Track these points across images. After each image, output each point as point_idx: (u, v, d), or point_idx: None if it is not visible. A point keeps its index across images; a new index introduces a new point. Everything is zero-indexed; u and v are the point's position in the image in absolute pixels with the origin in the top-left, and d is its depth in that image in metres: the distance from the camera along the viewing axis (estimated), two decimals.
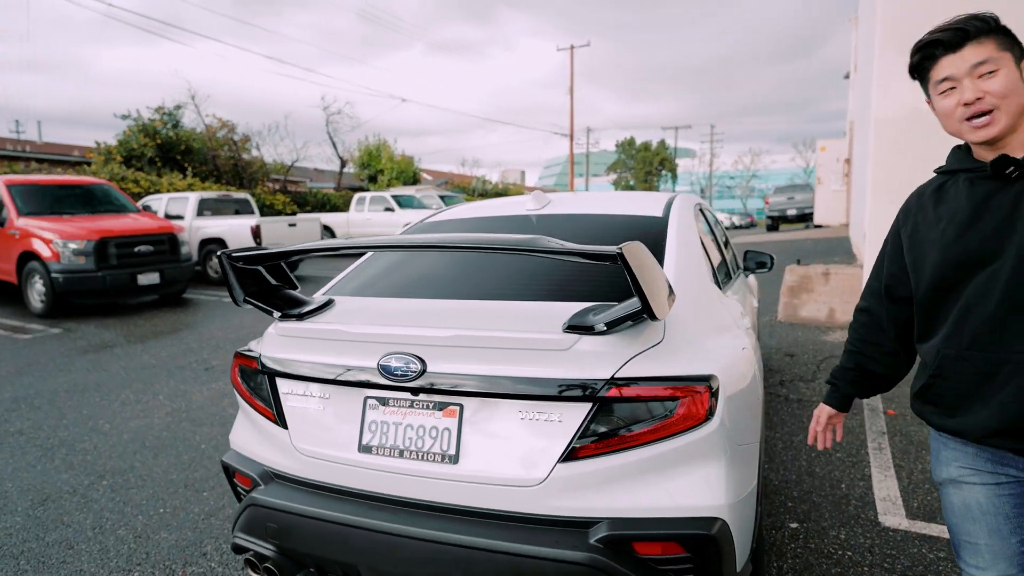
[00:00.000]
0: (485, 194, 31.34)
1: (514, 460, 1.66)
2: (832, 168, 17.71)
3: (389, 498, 1.78)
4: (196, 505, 3.16)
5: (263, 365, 1.99)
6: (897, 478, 3.26)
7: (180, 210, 12.00)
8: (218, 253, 1.99)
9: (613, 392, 1.60)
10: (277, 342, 1.99)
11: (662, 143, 59.79)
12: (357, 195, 17.00)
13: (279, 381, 1.98)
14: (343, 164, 24.46)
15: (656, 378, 1.62)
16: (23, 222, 8.61)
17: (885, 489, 3.14)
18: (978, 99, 1.32)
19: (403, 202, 16.80)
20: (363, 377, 1.79)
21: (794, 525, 2.82)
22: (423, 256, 2.47)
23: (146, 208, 12.10)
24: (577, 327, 1.64)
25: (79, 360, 6.21)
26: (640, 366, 1.63)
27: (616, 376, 1.61)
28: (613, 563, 1.56)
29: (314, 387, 1.91)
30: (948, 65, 1.36)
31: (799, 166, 64.29)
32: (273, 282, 2.15)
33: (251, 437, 2.09)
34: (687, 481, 1.64)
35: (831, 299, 6.79)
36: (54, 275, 8.15)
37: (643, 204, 2.65)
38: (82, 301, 8.71)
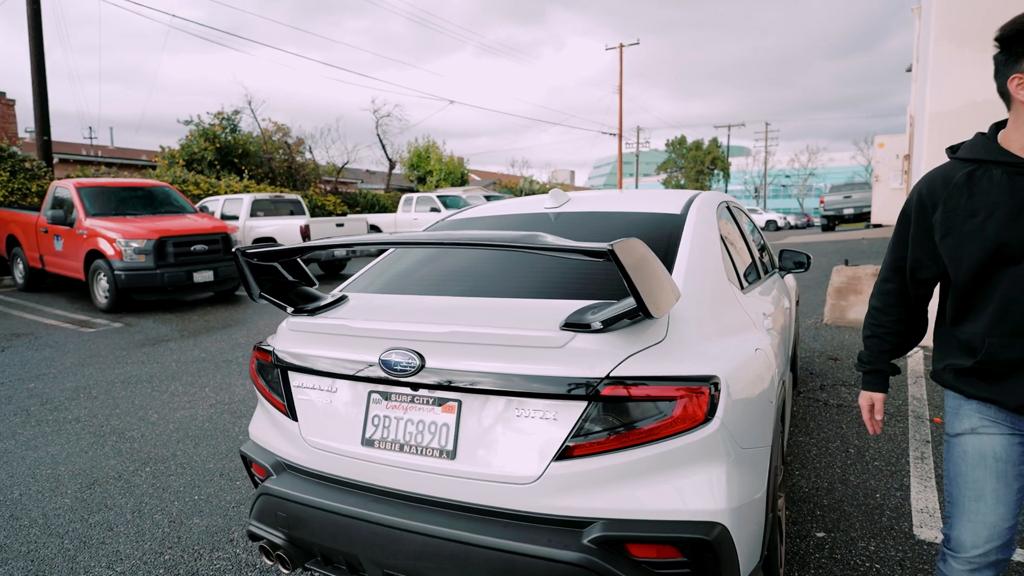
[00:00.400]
0: (532, 194, 31.41)
1: (509, 457, 1.66)
2: (891, 165, 16.93)
3: (389, 491, 1.81)
4: (229, 493, 3.29)
5: (276, 359, 2.06)
6: (938, 489, 3.10)
7: (235, 211, 12.47)
8: (233, 250, 2.07)
9: (608, 391, 1.58)
10: (289, 337, 2.05)
11: (714, 141, 58.49)
12: (405, 196, 17.29)
13: (291, 374, 2.04)
14: (392, 166, 24.93)
15: (653, 377, 1.59)
16: (90, 222, 9.12)
17: (924, 500, 2.99)
18: None
19: (449, 203, 16.99)
20: (366, 371, 1.82)
21: (821, 534, 2.72)
22: (434, 255, 2.50)
23: (203, 209, 12.63)
24: (574, 325, 1.63)
25: (136, 353, 6.53)
26: (637, 365, 1.61)
27: (611, 374, 1.59)
28: (606, 564, 1.54)
29: (322, 381, 1.96)
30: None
31: (859, 164, 61.76)
32: (290, 279, 2.22)
33: (267, 428, 2.16)
34: (685, 483, 1.60)
35: None
36: (117, 272, 8.60)
37: (663, 202, 2.60)
38: (142, 297, 9.17)
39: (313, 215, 17.07)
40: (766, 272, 3.45)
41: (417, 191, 26.12)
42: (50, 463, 3.76)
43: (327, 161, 22.89)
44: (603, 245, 1.47)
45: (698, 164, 57.64)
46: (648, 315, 1.55)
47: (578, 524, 1.61)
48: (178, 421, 4.45)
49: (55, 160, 18.04)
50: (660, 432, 1.58)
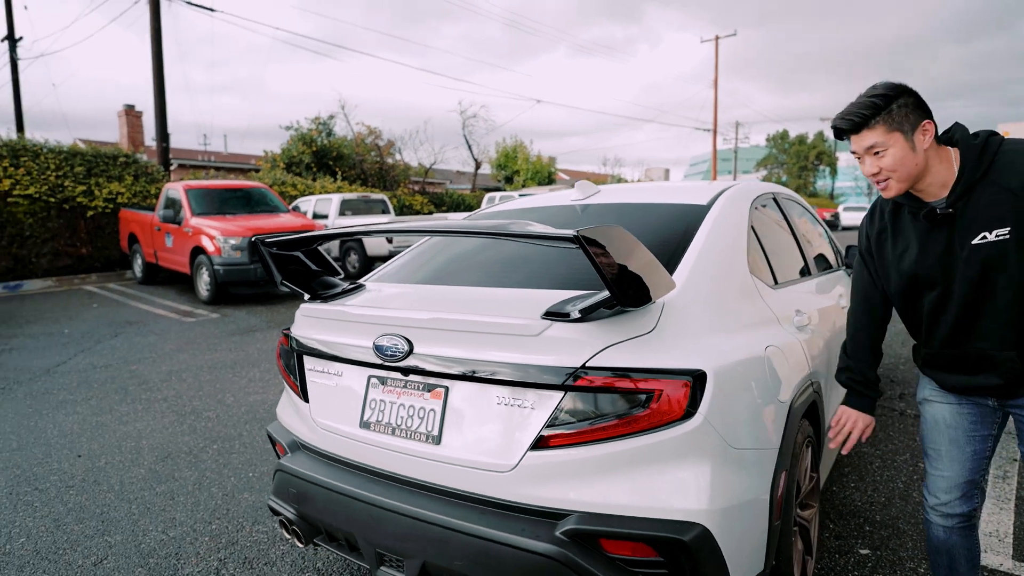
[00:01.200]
0: None
1: (489, 445, 1.66)
2: None
3: (382, 473, 1.86)
4: (226, 482, 3.48)
5: (292, 343, 2.17)
6: (1016, 512, 2.78)
7: (325, 210, 13.16)
8: (251, 239, 2.20)
9: (583, 381, 1.55)
10: (302, 322, 2.16)
11: (819, 136, 55.08)
12: (488, 195, 17.57)
13: (305, 358, 2.14)
14: (477, 166, 25.38)
15: (631, 369, 1.54)
16: (195, 221, 9.93)
17: (996, 524, 2.69)
18: (875, 173, 1.66)
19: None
20: (363, 356, 1.88)
21: (865, 551, 2.51)
22: (449, 245, 2.53)
23: (295, 209, 13.41)
24: (554, 314, 1.61)
25: (226, 341, 7.05)
26: (616, 356, 1.56)
27: (588, 364, 1.55)
28: (578, 559, 1.51)
29: (330, 365, 2.05)
30: (854, 143, 1.67)
31: None
32: (314, 268, 2.33)
33: (287, 409, 2.28)
34: (664, 480, 1.54)
35: None
36: (216, 267, 9.32)
37: (691, 194, 2.50)
38: (238, 291, 9.87)
39: (401, 214, 17.69)
40: (824, 269, 3.23)
41: (504, 190, 26.44)
42: (135, 437, 4.14)
43: (418, 162, 23.68)
44: (569, 232, 1.44)
45: (801, 159, 54.48)
46: (624, 305, 1.50)
47: (554, 516, 1.58)
48: (249, 405, 4.76)
49: (174, 165, 19.78)
50: (637, 425, 1.53)
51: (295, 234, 2.15)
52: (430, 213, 19.56)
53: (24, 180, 11.76)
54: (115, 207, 12.77)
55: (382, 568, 1.83)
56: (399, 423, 1.83)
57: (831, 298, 2.92)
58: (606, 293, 1.57)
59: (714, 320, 1.80)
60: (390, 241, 11.79)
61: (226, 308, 9.28)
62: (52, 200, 12.05)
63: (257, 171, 18.73)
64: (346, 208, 13.14)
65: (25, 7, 41.02)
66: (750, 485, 1.67)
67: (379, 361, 1.83)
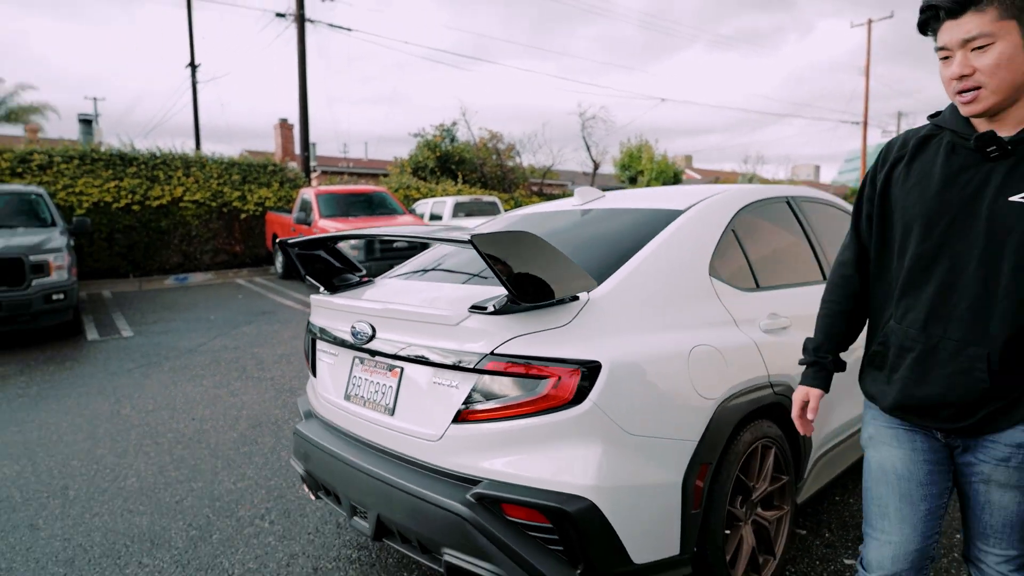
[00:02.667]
0: None
1: (425, 417, 1.95)
2: None
3: (356, 438, 2.21)
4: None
5: (308, 328, 2.59)
6: None
7: (440, 212, 13.98)
8: (276, 241, 2.64)
9: (491, 365, 1.79)
10: (314, 312, 2.57)
11: None
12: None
13: (316, 341, 2.55)
14: (596, 167, 25.41)
15: (531, 357, 1.76)
16: (322, 222, 11.07)
17: None
18: (965, 75, 1.27)
19: None
20: (345, 338, 2.24)
21: (849, 561, 2.46)
22: (441, 246, 2.82)
23: (411, 211, 14.38)
24: (477, 307, 1.86)
25: None
26: (522, 345, 1.78)
27: (495, 351, 1.79)
28: (481, 520, 1.76)
29: (330, 347, 2.44)
30: (946, 32, 1.29)
31: None
32: (337, 265, 2.73)
33: (308, 385, 2.71)
34: (556, 456, 1.74)
35: None
36: None
37: (675, 200, 2.60)
38: None
39: None
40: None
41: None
42: (238, 407, 4.87)
43: (541, 164, 24.22)
44: (464, 235, 1.69)
45: None
46: (520, 301, 1.72)
47: (470, 481, 1.83)
48: None
49: (317, 171, 21.85)
50: (534, 407, 1.74)
51: (302, 237, 2.56)
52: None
53: (192, 187, 13.73)
54: (263, 210, 14.48)
55: (355, 518, 2.18)
56: (368, 396, 2.17)
57: None
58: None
59: (637, 318, 1.95)
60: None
61: None
62: (213, 204, 13.94)
63: (387, 175, 20.24)
64: (459, 210, 13.87)
65: (203, 37, 47.11)
66: (652, 470, 1.81)
67: (352, 342, 2.18)
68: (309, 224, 11.40)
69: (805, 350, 1.66)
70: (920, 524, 1.44)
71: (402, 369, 2.07)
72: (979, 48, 1.25)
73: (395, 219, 11.51)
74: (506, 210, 17.30)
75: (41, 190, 9.01)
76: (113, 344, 7.41)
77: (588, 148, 24.43)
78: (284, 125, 22.90)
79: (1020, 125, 1.29)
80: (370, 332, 2.10)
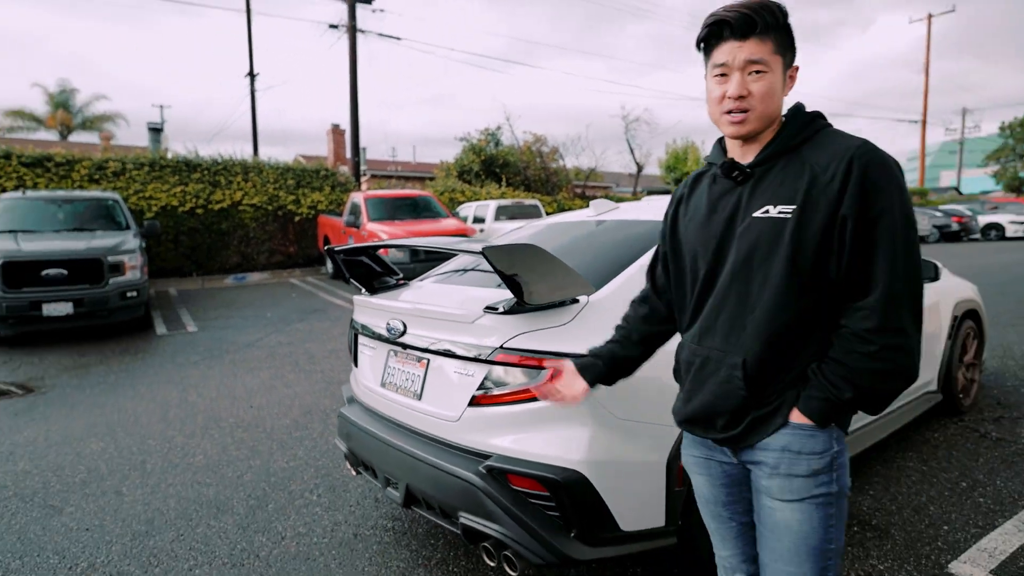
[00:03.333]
0: None
1: (446, 401, 2.28)
2: None
3: (389, 419, 2.56)
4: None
5: (351, 325, 2.96)
6: (1022, 534, 2.70)
7: (483, 214, 14.39)
8: (324, 248, 3.01)
9: (500, 357, 2.10)
10: (356, 310, 2.93)
11: None
12: (645, 198, 17.67)
13: (358, 336, 2.92)
14: (639, 169, 25.41)
15: (531, 351, 2.06)
16: (371, 225, 11.60)
17: (998, 541, 2.66)
18: (741, 96, 1.33)
19: None
20: (382, 333, 2.59)
21: None
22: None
23: (455, 214, 14.82)
24: (490, 307, 2.18)
25: None
26: (526, 340, 2.09)
27: (504, 345, 2.10)
28: (491, 488, 2.07)
29: (369, 340, 2.80)
30: (728, 52, 1.34)
31: None
32: (377, 269, 3.10)
33: (351, 374, 3.08)
34: (553, 435, 2.05)
35: None
36: None
37: None
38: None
39: None
40: None
41: (670, 192, 26.06)
42: (292, 397, 5.33)
43: (587, 166, 24.42)
44: (477, 246, 2.01)
45: None
46: (521, 302, 2.03)
47: (482, 456, 2.15)
48: None
49: (367, 175, 22.57)
50: (531, 393, 2.04)
51: (345, 246, 2.92)
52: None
53: (251, 192, 14.53)
54: (315, 213, 15.19)
55: (388, 488, 2.53)
56: (400, 383, 2.51)
57: None
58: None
59: None
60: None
61: None
62: (270, 208, 14.71)
63: (433, 179, 20.81)
64: (501, 213, 14.25)
65: (262, 48, 49.07)
66: (638, 448, 2.09)
67: (387, 336, 2.53)
68: (358, 227, 11.96)
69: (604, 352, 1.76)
70: (739, 541, 1.52)
71: (428, 360, 2.40)
72: (756, 73, 1.32)
73: (439, 222, 11.95)
74: (548, 212, 17.58)
75: (116, 196, 9.81)
76: (179, 338, 8.05)
77: (632, 151, 24.50)
78: (336, 130, 23.81)
79: (759, 150, 1.39)
80: (402, 328, 2.44)
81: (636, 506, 2.09)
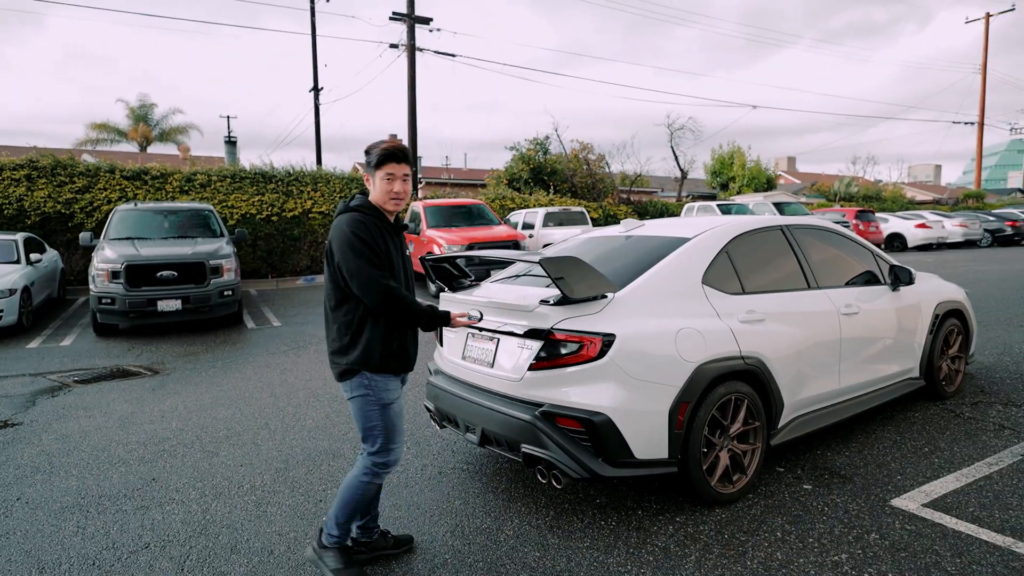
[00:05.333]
0: (850, 198, 28.63)
1: (511, 367, 3.21)
2: None
3: (469, 383, 3.50)
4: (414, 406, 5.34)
5: None
6: (960, 482, 3.43)
7: (532, 221, 15.32)
8: (419, 258, 3.99)
9: (552, 335, 3.02)
10: (443, 303, 3.89)
11: None
12: (687, 205, 18.31)
13: None
14: (684, 175, 25.89)
15: (573, 331, 2.97)
16: (429, 232, 12.68)
17: (941, 488, 3.40)
18: (401, 191, 2.67)
19: (730, 211, 17.43)
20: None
21: (808, 487, 3.48)
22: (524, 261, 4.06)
23: (506, 221, 15.79)
24: (543, 300, 3.10)
25: None
26: (569, 323, 3.00)
27: (554, 327, 3.01)
28: (544, 426, 2.99)
29: None
30: (395, 168, 2.63)
31: None
32: (455, 273, 4.05)
33: (436, 353, 4.05)
34: (588, 389, 2.95)
35: None
36: None
37: (690, 229, 3.72)
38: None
39: (606, 223, 19.32)
40: (825, 285, 4.02)
41: (716, 198, 26.52)
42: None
43: (633, 171, 25.11)
44: (535, 257, 2.93)
45: None
46: (567, 299, 2.94)
47: (537, 404, 3.07)
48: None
49: (422, 183, 23.82)
50: (574, 360, 2.96)
51: (434, 255, 3.89)
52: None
53: (319, 200, 15.88)
54: None
55: (467, 434, 3.47)
56: (477, 356, 3.46)
57: (816, 304, 3.83)
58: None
59: (645, 309, 3.12)
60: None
61: None
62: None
63: (484, 186, 21.88)
64: (549, 220, 15.15)
65: (325, 65, 51.38)
66: (647, 400, 2.96)
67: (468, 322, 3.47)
68: (417, 233, 13.07)
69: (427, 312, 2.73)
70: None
71: (499, 339, 3.34)
72: (404, 178, 2.65)
73: (492, 228, 12.94)
74: (593, 219, 18.37)
75: (211, 206, 11.17)
76: (267, 331, 9.26)
77: (676, 158, 25.02)
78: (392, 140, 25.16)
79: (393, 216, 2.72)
80: (479, 315, 3.37)
81: (646, 441, 2.97)
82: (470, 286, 3.90)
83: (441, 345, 3.88)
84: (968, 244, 22.90)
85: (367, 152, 2.70)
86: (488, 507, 3.40)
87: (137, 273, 8.74)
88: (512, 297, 3.38)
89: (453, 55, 18.63)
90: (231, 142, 20.49)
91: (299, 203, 15.63)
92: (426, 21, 18.24)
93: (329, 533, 2.76)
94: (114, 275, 8.66)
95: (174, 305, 8.83)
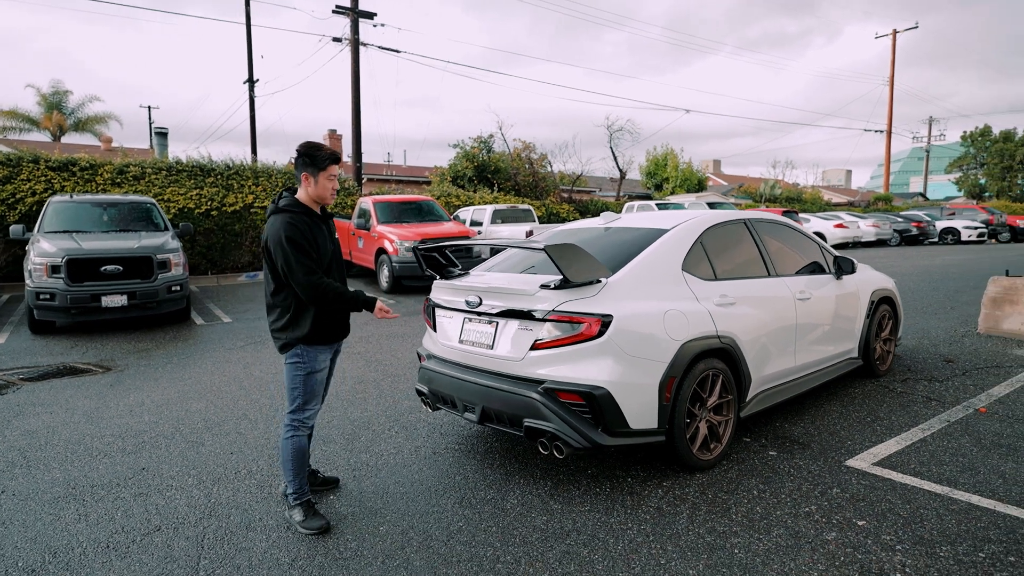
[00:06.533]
0: (774, 199, 30.34)
1: (513, 348, 3.42)
2: None
3: (467, 365, 3.69)
4: (376, 394, 5.48)
5: (429, 301, 4.09)
6: (901, 444, 3.91)
7: (480, 218, 15.51)
8: (407, 247, 4.13)
9: (553, 317, 3.25)
10: (435, 290, 4.06)
11: None
12: (627, 204, 18.96)
13: (435, 309, 4.04)
14: (622, 175, 26.76)
15: (574, 312, 3.22)
16: (380, 228, 12.65)
17: (885, 450, 3.87)
18: (337, 187, 3.15)
19: (667, 209, 18.21)
20: (461, 306, 3.73)
21: (773, 453, 3.87)
22: (517, 251, 4.29)
23: (456, 218, 15.92)
24: (543, 285, 3.33)
25: (403, 319, 9.42)
26: (568, 305, 3.25)
27: (555, 309, 3.25)
28: (547, 400, 3.22)
29: (446, 312, 3.92)
30: (337, 169, 3.13)
31: None
32: (443, 262, 4.22)
33: (426, 339, 4.21)
34: (588, 365, 3.20)
35: None
36: (394, 264, 11.90)
37: (666, 221, 4.04)
38: (410, 283, 12.42)
39: (549, 221, 19.74)
40: (812, 272, 4.51)
41: (652, 198, 27.51)
42: (342, 372, 6.40)
43: (571, 170, 25.68)
44: (540, 244, 3.16)
45: (1006, 159, 48.17)
46: (568, 282, 3.19)
47: (539, 382, 3.30)
48: (412, 358, 6.90)
49: (364, 179, 23.54)
50: (575, 339, 3.21)
51: (434, 242, 4.06)
52: (574, 220, 21.40)
53: (261, 195, 15.49)
54: None
55: (466, 413, 3.66)
56: (475, 339, 3.65)
57: (777, 290, 4.24)
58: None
59: (635, 292, 3.40)
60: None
61: (400, 296, 11.82)
62: None
63: (428, 184, 21.88)
64: (497, 217, 15.38)
65: (262, 56, 49.66)
66: (641, 375, 3.25)
67: (466, 308, 3.66)
68: (368, 229, 13.01)
69: (356, 297, 3.12)
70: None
71: (498, 322, 3.54)
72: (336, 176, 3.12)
73: (442, 224, 13.04)
74: (538, 216, 18.75)
75: (152, 200, 10.76)
76: (219, 327, 9.06)
77: (615, 158, 25.84)
78: (333, 136, 24.78)
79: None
80: (478, 301, 3.58)
81: (639, 412, 3.26)
82: (460, 274, 4.08)
83: (435, 331, 4.04)
84: (880, 243, 24.77)
85: (307, 154, 3.07)
86: (488, 481, 3.60)
87: (79, 267, 8.36)
88: (511, 283, 3.59)
89: (398, 51, 18.57)
90: (161, 133, 19.59)
91: (240, 197, 15.19)
92: (370, 16, 18.09)
93: (287, 494, 3.17)
94: (54, 269, 8.27)
95: (119, 301, 8.51)
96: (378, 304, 3.18)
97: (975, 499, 3.22)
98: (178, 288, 9.08)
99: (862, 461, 3.72)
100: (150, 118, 43.79)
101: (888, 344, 5.58)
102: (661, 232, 3.86)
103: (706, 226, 4.03)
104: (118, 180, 14.06)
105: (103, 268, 8.48)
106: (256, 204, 15.34)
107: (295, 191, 3.15)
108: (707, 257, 3.90)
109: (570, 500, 3.33)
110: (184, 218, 14.24)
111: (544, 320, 3.29)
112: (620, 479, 3.56)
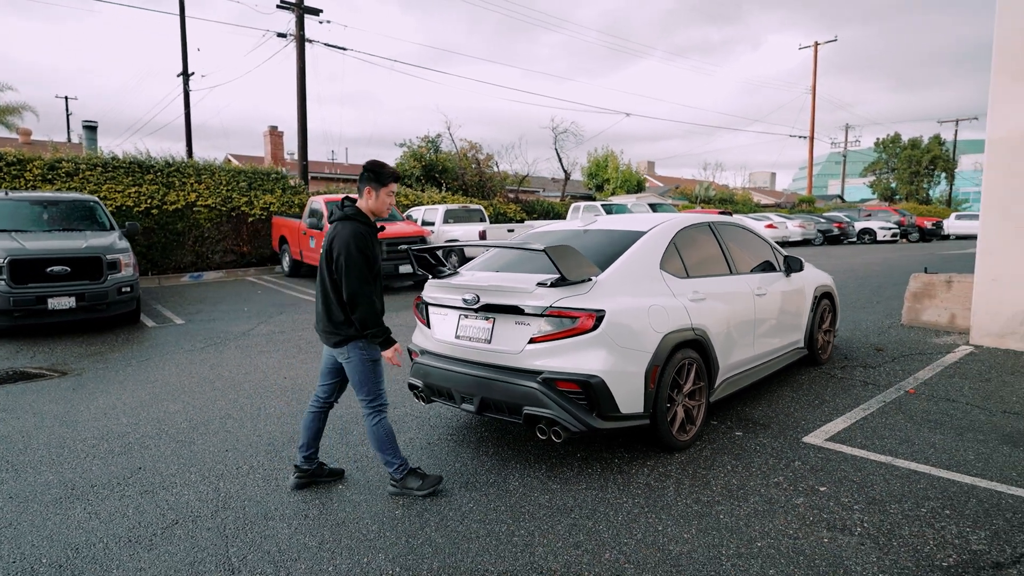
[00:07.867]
0: (708, 200, 31.74)
1: (511, 342, 3.68)
2: None
3: (464, 359, 3.92)
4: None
5: (422, 299, 4.29)
6: (847, 422, 4.42)
7: (432, 218, 15.63)
8: (401, 247, 4.32)
9: (550, 312, 3.53)
10: (428, 288, 4.26)
11: (936, 139, 52.28)
12: (573, 204, 19.48)
13: (429, 307, 4.25)
14: (567, 176, 27.39)
15: (570, 308, 3.51)
16: None
17: (834, 428, 4.36)
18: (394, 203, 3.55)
19: (614, 210, 18.82)
20: (457, 304, 3.95)
21: (739, 434, 4.29)
22: (505, 251, 4.55)
23: (408, 217, 15.98)
24: (540, 283, 3.61)
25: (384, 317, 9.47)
26: (564, 302, 3.53)
27: (552, 305, 3.54)
28: (546, 389, 3.50)
29: (441, 309, 4.14)
30: (394, 186, 3.45)
31: None
32: (433, 262, 4.43)
33: (418, 335, 4.40)
34: (584, 356, 3.50)
35: (952, 305, 7.09)
36: None
37: (643, 224, 4.39)
38: None
39: (497, 221, 20.03)
40: (765, 271, 4.96)
41: (595, 199, 28.26)
42: (311, 371, 6.46)
43: (514, 172, 26.06)
44: (539, 246, 3.44)
45: (913, 165, 52.01)
46: (564, 280, 3.48)
47: (538, 372, 3.57)
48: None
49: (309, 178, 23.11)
50: (571, 332, 3.50)
51: (419, 244, 4.25)
52: (522, 220, 21.77)
53: (204, 193, 15.07)
54: (268, 215, 15.89)
55: (463, 404, 3.89)
56: (472, 335, 3.89)
57: (738, 286, 4.68)
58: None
59: (622, 289, 3.73)
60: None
61: None
62: (223, 209, 15.30)
63: None
64: (449, 216, 15.54)
65: (198, 49, 47.62)
66: (629, 364, 3.58)
67: (464, 306, 3.89)
68: (320, 229, 12.93)
69: (387, 331, 3.39)
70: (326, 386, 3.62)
71: (495, 318, 3.79)
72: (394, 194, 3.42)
73: (396, 224, 13.09)
74: (488, 215, 18.98)
75: (96, 198, 10.36)
76: (172, 329, 8.88)
77: (560, 160, 26.41)
78: (274, 132, 24.19)
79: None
80: (475, 298, 3.81)
81: (628, 398, 3.58)
82: (451, 274, 4.30)
83: (428, 327, 4.24)
84: (805, 243, 26.37)
85: (373, 170, 3.39)
86: (486, 467, 3.85)
87: (23, 268, 8.03)
88: (507, 281, 3.85)
89: (344, 48, 18.40)
90: (90, 127, 18.62)
91: (182, 195, 14.74)
92: (316, 12, 17.85)
93: (392, 472, 3.45)
94: None
95: (67, 303, 8.22)
96: (394, 348, 3.39)
97: (913, 465, 3.72)
98: (128, 289, 8.83)
99: (816, 438, 4.18)
100: (67, 109, 41.31)
101: (828, 335, 6.16)
102: (640, 234, 4.21)
103: (678, 228, 4.41)
104: (49, 176, 13.39)
105: (49, 269, 8.16)
106: (199, 202, 14.92)
107: (355, 200, 3.43)
108: (680, 256, 4.28)
109: (566, 480, 3.62)
110: (122, 217, 13.70)
111: (542, 316, 3.56)
112: (608, 460, 3.88)
